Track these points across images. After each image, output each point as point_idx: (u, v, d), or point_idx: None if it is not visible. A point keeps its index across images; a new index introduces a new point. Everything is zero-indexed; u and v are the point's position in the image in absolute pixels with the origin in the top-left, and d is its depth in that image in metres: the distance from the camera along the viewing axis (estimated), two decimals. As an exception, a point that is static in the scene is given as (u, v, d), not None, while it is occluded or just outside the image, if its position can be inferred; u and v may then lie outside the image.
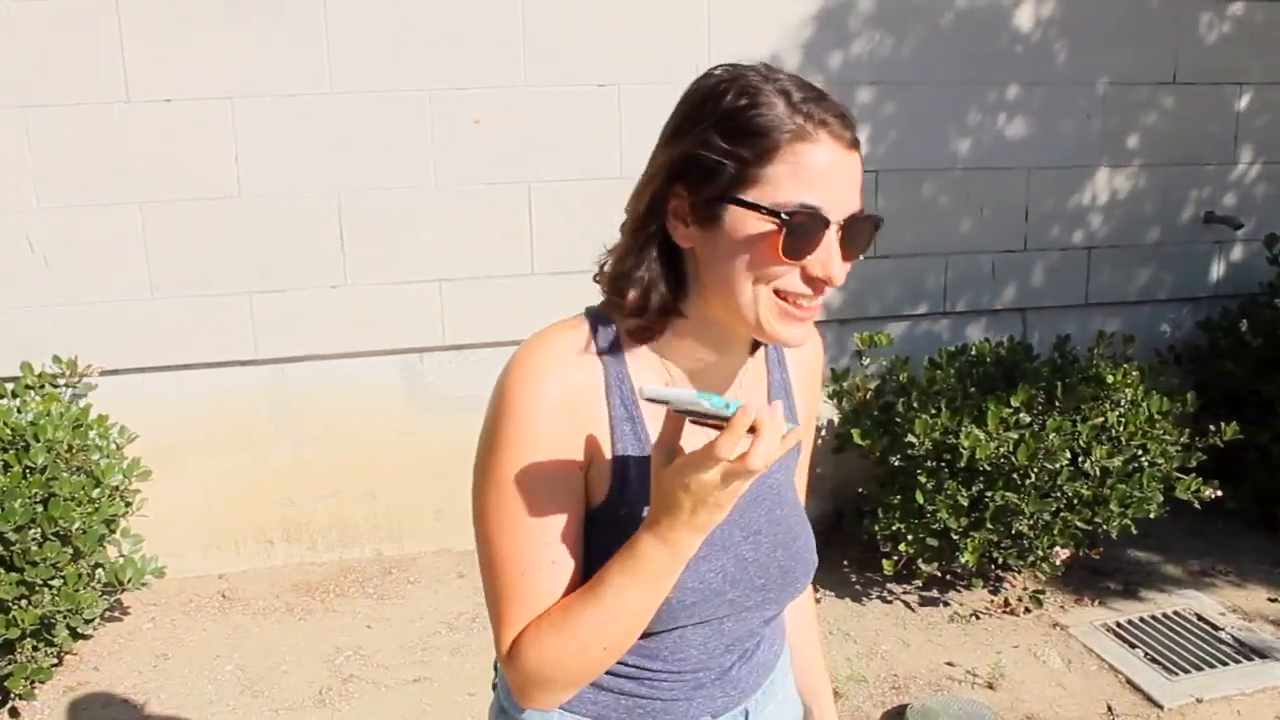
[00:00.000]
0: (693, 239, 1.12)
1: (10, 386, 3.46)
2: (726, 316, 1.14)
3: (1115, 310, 4.69)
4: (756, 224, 1.07)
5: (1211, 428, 3.78)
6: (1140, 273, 4.75)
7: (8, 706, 3.24)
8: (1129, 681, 3.43)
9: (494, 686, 1.37)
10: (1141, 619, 3.80)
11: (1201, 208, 4.76)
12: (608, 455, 1.16)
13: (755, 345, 1.26)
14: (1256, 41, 4.63)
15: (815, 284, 1.10)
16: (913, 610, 3.89)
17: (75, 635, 3.26)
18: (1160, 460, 3.73)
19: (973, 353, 4.02)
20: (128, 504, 3.43)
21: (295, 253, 3.90)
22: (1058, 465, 3.55)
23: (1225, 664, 3.51)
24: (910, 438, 3.59)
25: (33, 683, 3.15)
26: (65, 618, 3.11)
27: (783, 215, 1.05)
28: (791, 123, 1.06)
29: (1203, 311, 4.78)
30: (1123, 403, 3.74)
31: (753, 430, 0.99)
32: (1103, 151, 4.57)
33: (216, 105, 3.74)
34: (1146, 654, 3.57)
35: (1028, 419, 3.62)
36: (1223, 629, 3.72)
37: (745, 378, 1.26)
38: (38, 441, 3.11)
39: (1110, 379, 3.74)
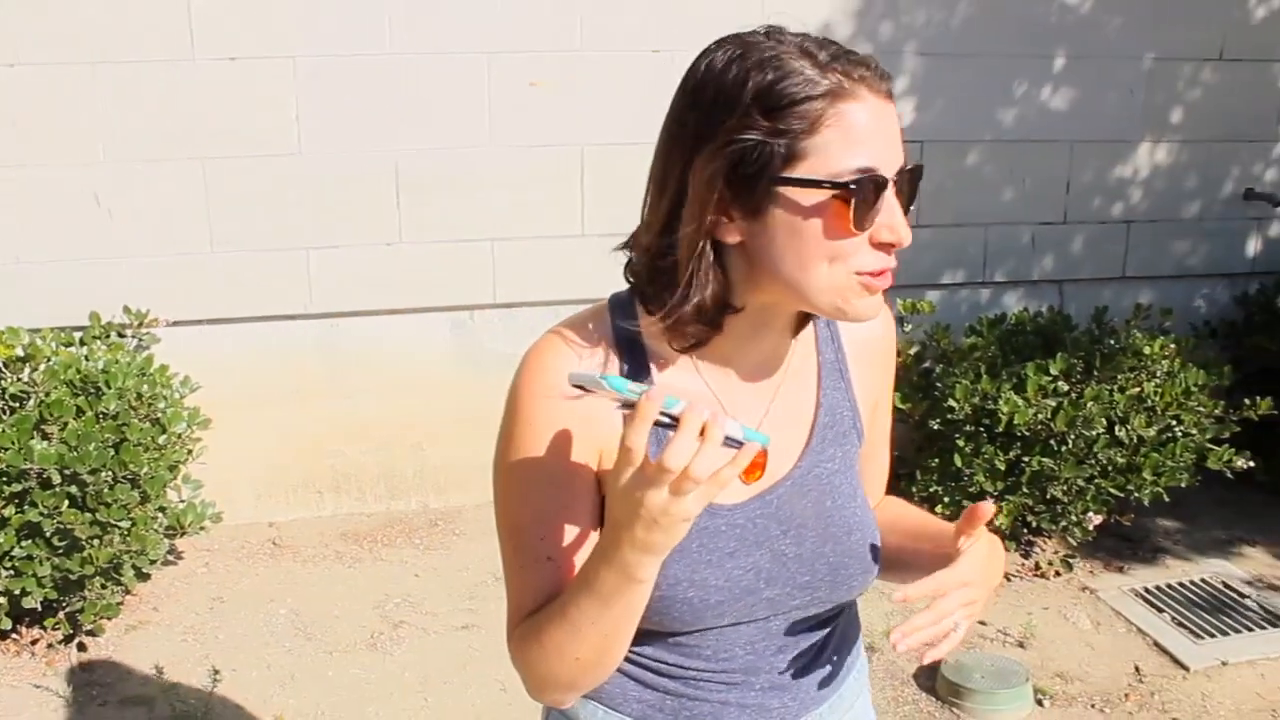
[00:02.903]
0: (742, 232, 1.03)
1: (79, 336, 3.57)
2: (790, 303, 1.08)
3: (1152, 284, 4.75)
4: (813, 200, 0.98)
5: (1246, 401, 3.84)
6: (1178, 247, 4.80)
7: (76, 641, 3.38)
8: (1156, 644, 3.52)
9: None
10: (1169, 585, 3.88)
11: (1241, 184, 4.80)
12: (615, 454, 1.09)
13: (799, 325, 1.17)
14: (1305, 18, 4.65)
15: (886, 249, 1.02)
16: (946, 572, 3.99)
17: (140, 575, 3.39)
18: (1194, 431, 3.80)
19: (1012, 321, 4.09)
20: (189, 451, 3.54)
21: (352, 210, 3.99)
22: (1094, 433, 3.63)
23: (1251, 630, 3.59)
24: (950, 402, 3.68)
25: (102, 619, 3.29)
26: (132, 558, 3.24)
27: (849, 185, 0.97)
28: (828, 83, 0.97)
29: (1239, 287, 4.83)
30: (1159, 374, 3.80)
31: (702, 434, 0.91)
32: (1145, 126, 4.61)
33: (279, 64, 3.83)
34: (1174, 618, 3.66)
35: (1065, 387, 3.69)
36: (1248, 596, 3.80)
37: (793, 362, 1.18)
38: (108, 388, 3.23)
39: (1148, 350, 3.81)
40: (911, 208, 1.04)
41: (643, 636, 1.13)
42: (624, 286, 1.15)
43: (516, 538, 1.13)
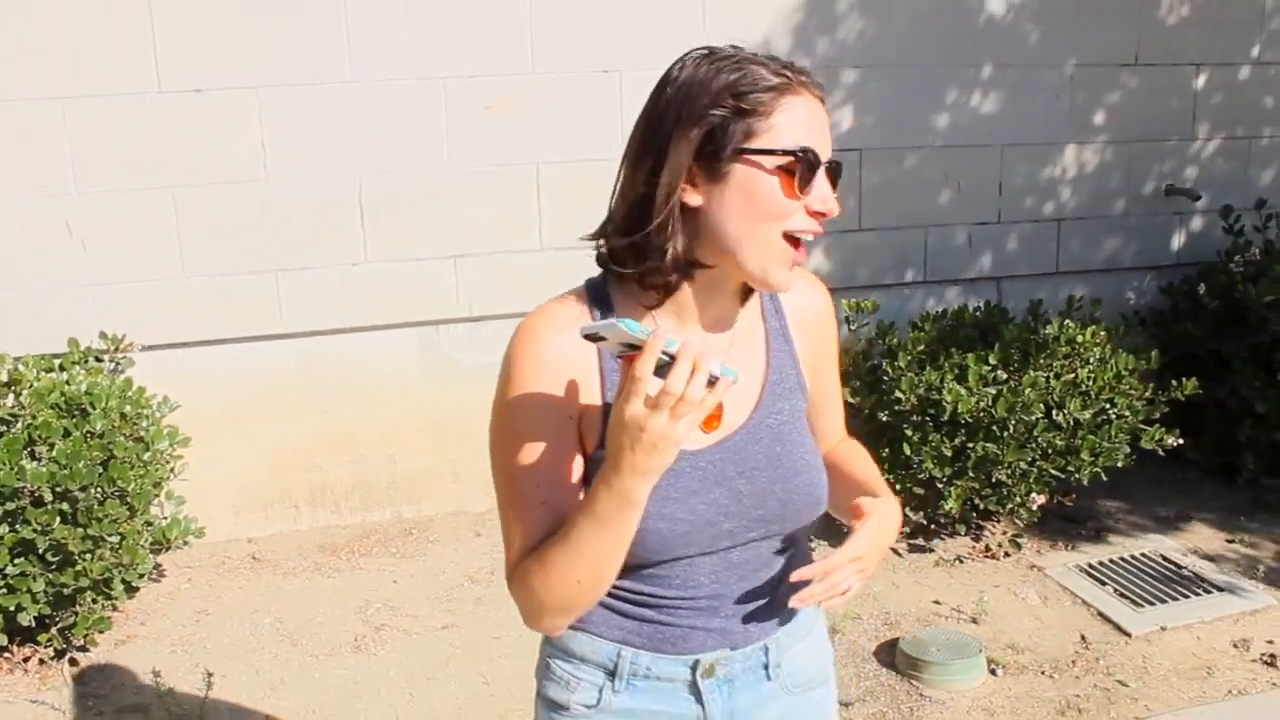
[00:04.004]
0: (703, 196, 1.24)
1: (58, 361, 3.68)
2: (726, 266, 1.28)
3: (1084, 278, 5.01)
4: (765, 171, 1.22)
5: (1173, 383, 4.09)
6: (1107, 242, 5.07)
7: (67, 657, 3.49)
8: (1100, 614, 3.74)
9: None
10: (1111, 560, 4.11)
11: (1163, 181, 5.09)
12: (599, 404, 1.30)
13: (745, 296, 1.37)
14: (1213, 24, 4.94)
15: (817, 216, 1.26)
16: (901, 556, 4.19)
17: (129, 590, 3.50)
18: (1127, 413, 4.04)
19: (951, 316, 4.32)
20: (171, 469, 3.66)
21: (318, 233, 4.14)
22: (1033, 417, 3.85)
23: (1187, 597, 3.82)
24: (897, 394, 3.89)
25: (94, 632, 3.40)
26: (122, 571, 3.35)
27: (794, 153, 1.21)
28: (779, 80, 1.23)
29: (1165, 278, 5.10)
30: (1092, 361, 4.04)
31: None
32: (1071, 129, 4.88)
33: (243, 94, 3.98)
34: (1116, 590, 3.88)
35: (1004, 375, 3.92)
36: (1185, 567, 4.04)
37: (740, 326, 1.38)
38: (94, 409, 3.35)
39: (1080, 339, 4.04)
40: (836, 193, 1.28)
41: (621, 570, 1.30)
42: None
43: (513, 486, 1.31)
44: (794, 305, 1.45)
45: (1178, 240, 5.17)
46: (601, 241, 1.33)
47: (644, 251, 1.27)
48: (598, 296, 1.34)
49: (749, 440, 1.36)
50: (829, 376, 1.55)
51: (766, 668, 1.45)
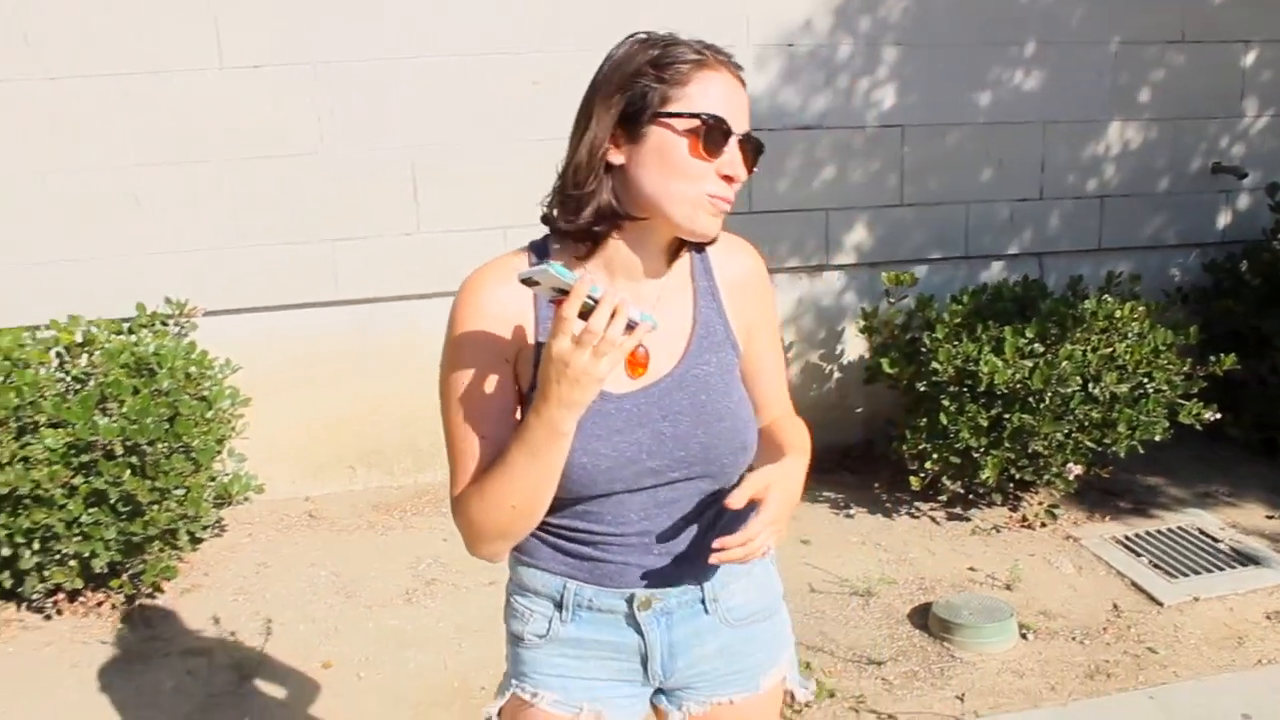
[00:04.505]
0: (625, 155, 1.38)
1: (127, 325, 3.86)
2: (653, 218, 1.41)
3: (1127, 254, 5.03)
4: (677, 135, 1.36)
5: (1212, 358, 4.12)
6: (1151, 220, 5.09)
7: (136, 602, 3.68)
8: (1134, 584, 3.80)
9: None
10: (1148, 532, 4.16)
11: (1209, 159, 5.09)
12: (532, 347, 1.43)
13: (673, 255, 1.50)
14: (1261, 1, 4.93)
15: (728, 181, 1.38)
16: (938, 525, 4.28)
17: (193, 540, 3.68)
18: (1165, 388, 4.08)
19: (991, 291, 4.38)
20: (233, 427, 3.83)
21: (373, 204, 4.29)
22: (1070, 390, 3.92)
23: (1222, 569, 3.86)
24: (935, 364, 3.97)
25: (161, 580, 3.58)
26: (187, 523, 3.53)
27: (703, 118, 1.35)
28: (697, 57, 1.37)
29: (1209, 256, 5.11)
30: (1130, 335, 4.09)
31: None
32: (1114, 106, 4.90)
33: (301, 70, 4.13)
34: (1151, 562, 3.93)
35: (1041, 349, 3.98)
36: (1221, 541, 4.08)
37: (669, 282, 1.50)
38: (161, 369, 3.52)
39: (1118, 314, 4.09)
40: (756, 169, 1.43)
41: (557, 506, 1.45)
42: None
43: (456, 422, 1.44)
44: (723, 266, 1.56)
45: (1223, 218, 5.18)
46: (545, 199, 1.48)
47: (574, 205, 1.41)
48: (539, 250, 1.49)
49: (674, 387, 1.48)
50: (764, 341, 1.63)
51: (703, 602, 1.57)
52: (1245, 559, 3.93)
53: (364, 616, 3.67)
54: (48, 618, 3.63)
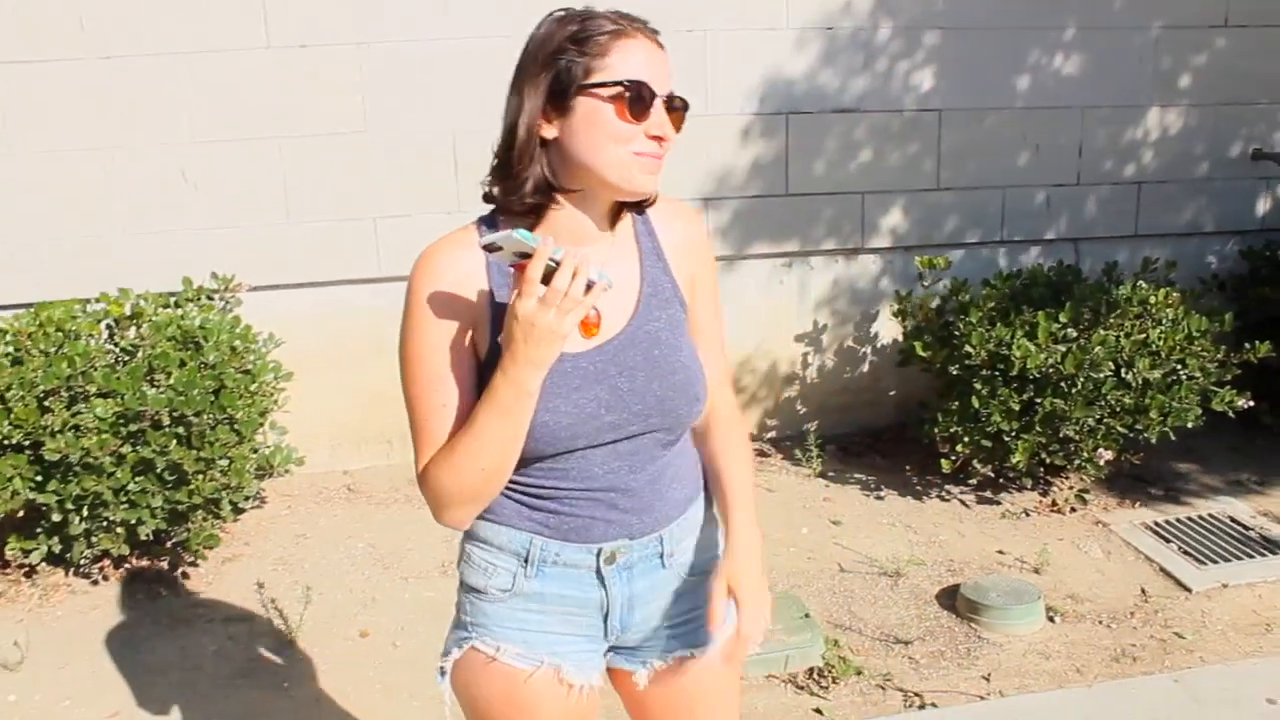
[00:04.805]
0: (558, 129, 1.45)
1: (173, 299, 3.96)
2: (591, 185, 1.47)
3: (1163, 241, 5.02)
4: (603, 102, 1.42)
5: (1247, 345, 4.12)
6: (1188, 206, 5.07)
7: (179, 570, 3.78)
8: (1162, 569, 3.82)
9: None
10: (1178, 519, 4.17)
11: (1249, 145, 5.06)
12: (488, 315, 1.48)
13: (614, 220, 1.57)
14: (1308, -14, 4.90)
15: (657, 140, 1.45)
16: (968, 508, 4.31)
17: (235, 510, 3.77)
18: (1198, 374, 4.08)
19: (1025, 276, 4.39)
20: (275, 401, 3.92)
21: (415, 182, 4.36)
22: (1102, 375, 3.93)
23: (1253, 557, 3.87)
24: (968, 348, 3.99)
25: (204, 548, 3.68)
26: (230, 493, 3.62)
27: (626, 83, 1.41)
28: (615, 27, 1.43)
29: (1247, 244, 5.08)
30: (1164, 321, 4.09)
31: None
32: (1155, 91, 4.88)
33: (346, 50, 4.20)
34: (1180, 548, 3.95)
35: (1074, 333, 3.99)
36: (1253, 529, 4.08)
37: (615, 244, 1.57)
38: (206, 342, 3.61)
39: (1153, 300, 4.09)
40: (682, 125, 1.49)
41: (522, 464, 1.50)
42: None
43: (418, 392, 1.50)
44: (665, 228, 1.64)
45: (1262, 205, 5.14)
46: (486, 179, 1.54)
47: (514, 182, 1.47)
48: (489, 224, 1.54)
49: (627, 344, 1.55)
50: (706, 300, 1.71)
51: (661, 556, 1.64)
52: (1276, 547, 3.94)
53: (400, 588, 3.76)
54: (94, 583, 3.75)
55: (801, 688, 3.16)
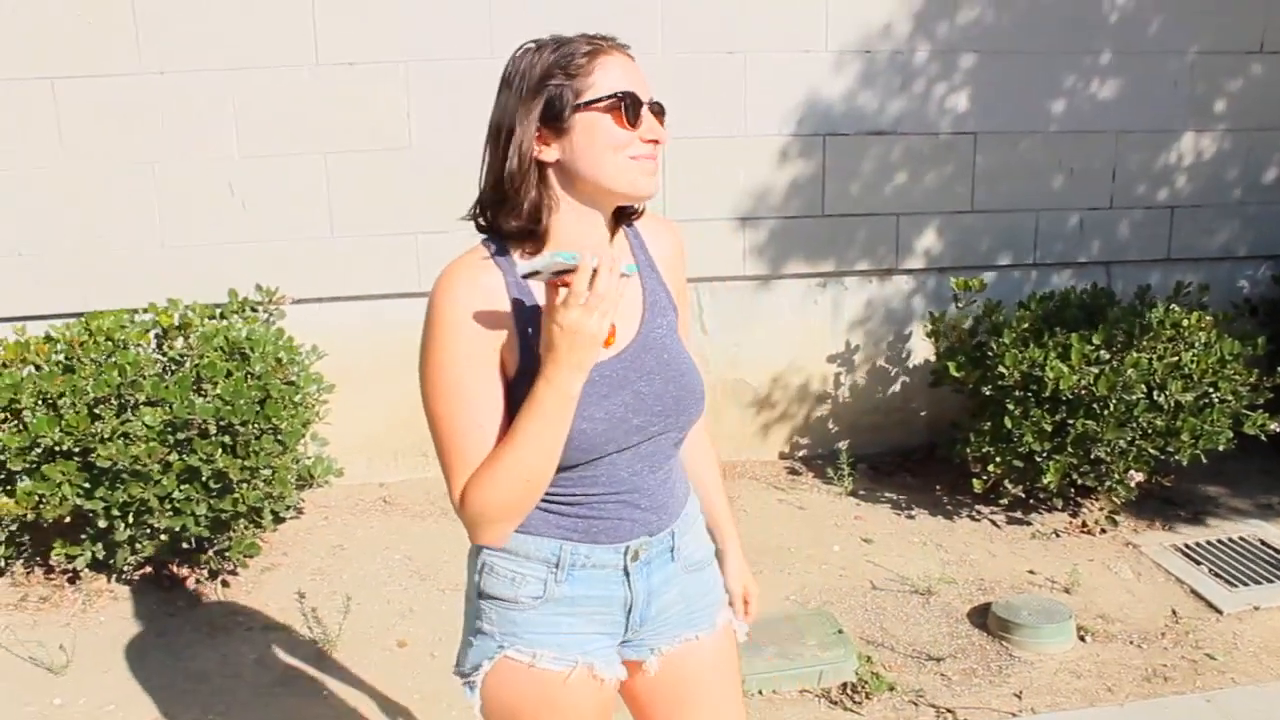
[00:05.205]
0: (559, 150, 1.53)
1: (219, 310, 4.04)
2: (596, 194, 1.56)
3: (1196, 265, 5.04)
4: (598, 115, 1.51)
5: (1279, 369, 4.13)
6: (1221, 230, 5.09)
7: (220, 578, 3.85)
8: (1193, 591, 3.83)
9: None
10: (1209, 542, 4.19)
11: (1284, 170, 5.08)
12: (515, 332, 1.53)
13: (613, 234, 1.65)
14: (1346, 10, 4.92)
15: (651, 144, 1.54)
16: (998, 528, 4.33)
17: (276, 519, 3.84)
18: (1230, 398, 4.10)
19: (1058, 298, 4.42)
20: (317, 412, 3.99)
21: (456, 197, 4.31)
22: (1134, 397, 3.95)
23: (1284, 579, 3.89)
24: (1001, 369, 4.02)
25: (245, 557, 3.75)
26: (272, 502, 3.69)
27: (616, 95, 1.52)
28: (590, 46, 1.53)
29: (1280, 269, 5.11)
30: (1197, 344, 4.11)
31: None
32: (1189, 116, 4.91)
33: (392, 68, 4.29)
34: (1211, 570, 3.96)
35: (1107, 355, 4.02)
36: (1284, 552, 4.10)
37: (614, 253, 1.60)
38: (253, 353, 3.68)
39: (1185, 323, 4.12)
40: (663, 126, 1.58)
41: (554, 476, 1.55)
42: None
43: (451, 417, 1.54)
44: (654, 241, 1.75)
45: (1297, 231, 5.17)
46: (478, 214, 1.62)
47: (514, 206, 1.55)
48: (499, 248, 1.60)
49: (641, 350, 1.64)
50: (684, 314, 1.80)
51: (672, 550, 1.74)
52: (1308, 570, 3.95)
53: (438, 599, 3.81)
54: (136, 590, 3.82)
55: (835, 703, 3.20)
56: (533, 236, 1.56)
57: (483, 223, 1.61)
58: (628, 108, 1.52)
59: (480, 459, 1.52)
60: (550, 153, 1.54)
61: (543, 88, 1.52)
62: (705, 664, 1.83)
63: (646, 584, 1.71)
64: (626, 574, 1.68)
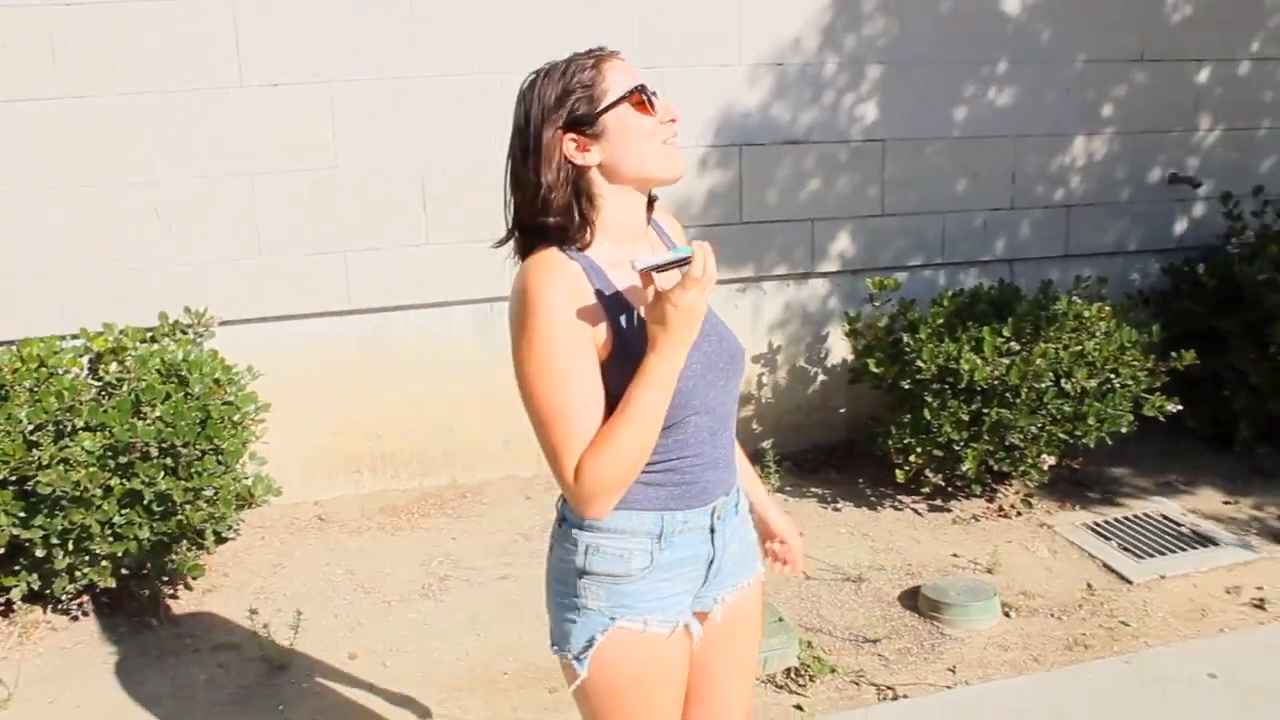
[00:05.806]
0: (600, 152, 1.70)
1: (150, 333, 4.02)
2: (637, 182, 1.74)
3: (1092, 260, 5.33)
4: (625, 111, 1.69)
5: (1173, 355, 4.41)
6: (1113, 227, 5.40)
7: (162, 602, 3.83)
8: (1105, 565, 4.07)
9: (560, 521, 1.84)
10: (1116, 519, 4.44)
11: (1166, 170, 5.41)
12: (605, 319, 1.67)
13: (648, 218, 1.83)
14: (1215, 22, 5.26)
15: (669, 124, 1.73)
16: (921, 516, 4.53)
17: (219, 539, 3.84)
18: (1130, 383, 4.36)
19: (969, 294, 4.64)
20: (254, 433, 4.00)
21: (383, 216, 4.49)
22: (1044, 385, 4.19)
23: (1185, 550, 4.15)
24: (919, 363, 4.22)
25: (189, 578, 3.75)
26: (214, 523, 3.70)
27: (635, 90, 1.71)
28: (592, 59, 1.73)
29: (1168, 261, 5.41)
30: (1098, 334, 4.37)
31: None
32: (1080, 121, 5.21)
33: (317, 88, 4.32)
34: (1120, 544, 4.21)
35: (1017, 347, 4.25)
36: (1184, 525, 4.36)
37: (649, 237, 1.84)
38: (191, 375, 3.69)
39: (1087, 314, 4.37)
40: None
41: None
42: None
43: (559, 400, 1.64)
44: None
45: (1180, 225, 5.49)
46: (516, 235, 1.76)
47: (564, 209, 1.70)
48: (562, 245, 1.73)
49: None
50: None
51: (736, 506, 1.94)
52: (1205, 540, 4.22)
53: (384, 611, 3.86)
54: (74, 619, 3.78)
55: (781, 687, 3.33)
56: (586, 229, 1.72)
57: (531, 227, 1.73)
58: (647, 100, 1.72)
59: (589, 437, 1.63)
60: (591, 156, 1.71)
61: (564, 103, 1.69)
62: (752, 603, 2.01)
63: (723, 540, 1.87)
64: (711, 532, 1.84)
